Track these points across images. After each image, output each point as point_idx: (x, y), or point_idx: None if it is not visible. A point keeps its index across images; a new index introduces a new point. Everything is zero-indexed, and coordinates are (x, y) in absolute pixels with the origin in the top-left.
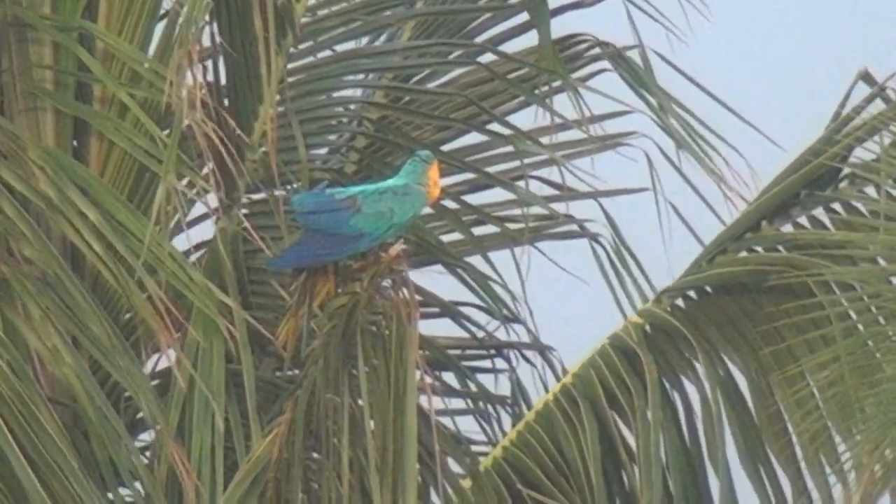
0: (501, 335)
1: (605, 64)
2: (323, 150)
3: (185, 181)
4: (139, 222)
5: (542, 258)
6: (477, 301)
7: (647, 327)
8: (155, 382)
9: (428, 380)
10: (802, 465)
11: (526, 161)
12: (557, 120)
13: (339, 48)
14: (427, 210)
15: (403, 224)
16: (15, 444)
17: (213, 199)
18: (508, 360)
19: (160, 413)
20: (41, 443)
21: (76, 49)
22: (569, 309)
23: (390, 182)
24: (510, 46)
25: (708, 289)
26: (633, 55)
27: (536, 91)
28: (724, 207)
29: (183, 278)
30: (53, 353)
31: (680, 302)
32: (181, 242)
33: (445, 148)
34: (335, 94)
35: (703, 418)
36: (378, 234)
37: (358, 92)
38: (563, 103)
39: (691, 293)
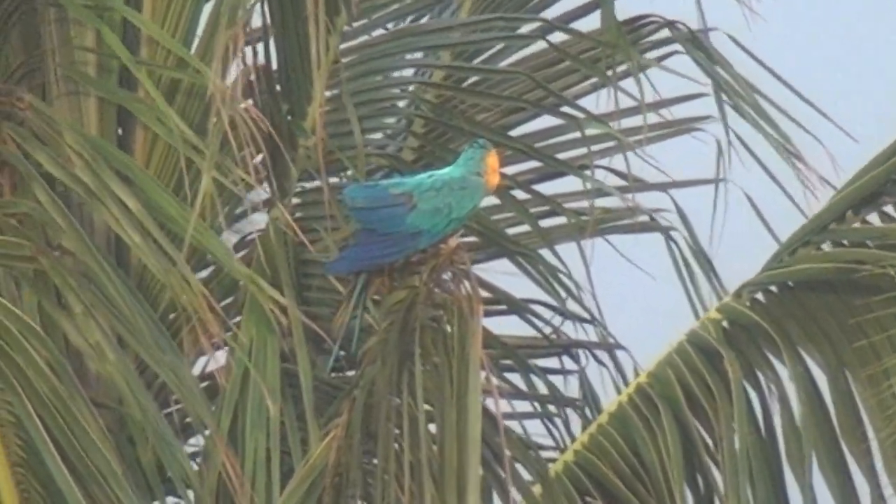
0: (567, 333)
1: (675, 47)
2: (379, 135)
3: (235, 175)
4: (184, 213)
5: (608, 252)
6: (542, 297)
7: (725, 323)
8: (204, 384)
9: (494, 380)
10: (882, 471)
11: (593, 149)
12: (627, 104)
13: (395, 26)
14: (491, 200)
15: (462, 218)
16: (54, 448)
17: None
18: (577, 360)
19: (210, 416)
20: (82, 446)
21: (104, 31)
22: (637, 305)
23: (446, 173)
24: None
25: (790, 283)
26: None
27: (607, 73)
28: (803, 198)
29: (232, 273)
30: (96, 350)
31: (760, 296)
32: (232, 236)
33: (511, 134)
34: (392, 75)
35: (783, 418)
36: (437, 231)
37: (420, 73)
38: (631, 90)
39: (772, 287)
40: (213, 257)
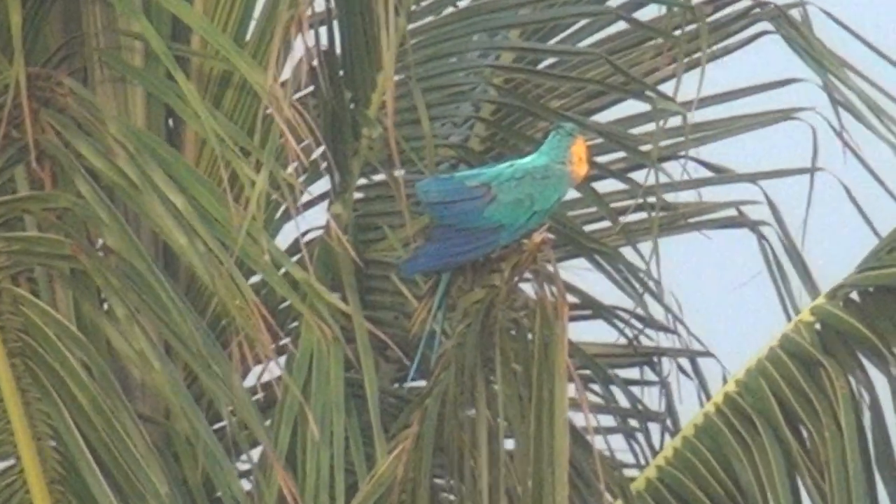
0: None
1: (765, 26)
2: (448, 124)
3: (292, 166)
4: (234, 214)
5: (691, 249)
6: (617, 298)
7: (818, 326)
8: (257, 396)
9: (577, 391)
10: None
11: (676, 140)
12: (713, 90)
13: (465, 3)
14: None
15: (546, 211)
16: (95, 464)
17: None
18: (656, 370)
19: (265, 432)
20: (126, 462)
21: (139, 19)
22: (722, 307)
23: (527, 162)
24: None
25: (888, 285)
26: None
27: (687, 58)
28: None
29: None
30: (141, 358)
31: (854, 297)
32: (290, 234)
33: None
34: (461, 58)
35: (873, 425)
36: (518, 225)
37: (487, 56)
38: (718, 73)
39: (868, 288)
40: (260, 263)
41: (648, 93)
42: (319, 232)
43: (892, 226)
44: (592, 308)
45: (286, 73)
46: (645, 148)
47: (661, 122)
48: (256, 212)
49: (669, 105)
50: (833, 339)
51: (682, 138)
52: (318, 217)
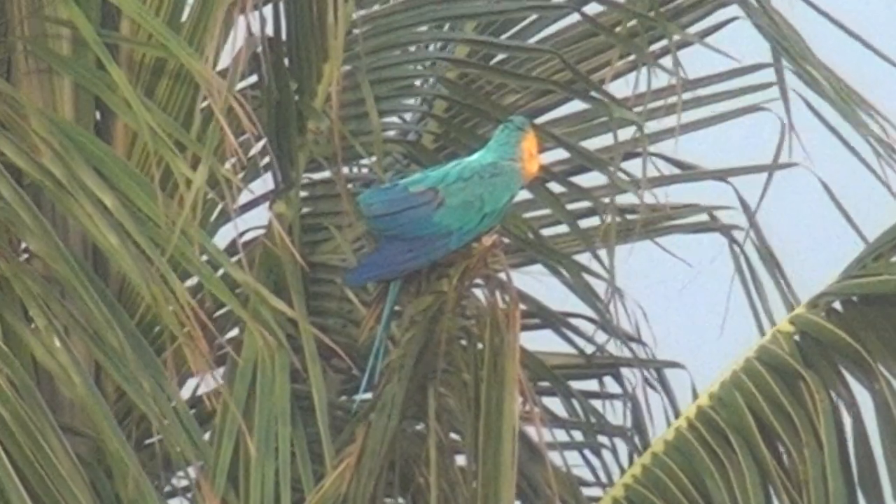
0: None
1: (735, 11)
2: (396, 119)
3: (230, 161)
4: (168, 211)
5: (657, 254)
6: (579, 308)
7: (798, 337)
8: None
9: (527, 403)
10: None
11: (635, 136)
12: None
13: None
14: (522, 195)
15: (498, 213)
16: (18, 481)
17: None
18: (621, 382)
19: (204, 447)
20: (50, 479)
21: (70, 9)
22: (691, 315)
23: (475, 160)
24: None
25: (873, 294)
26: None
27: (651, 48)
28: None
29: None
30: (63, 371)
31: (837, 306)
32: (228, 235)
33: (542, 119)
34: (410, 50)
35: (855, 441)
36: (469, 229)
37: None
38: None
39: (853, 297)
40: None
41: (603, 94)
42: (261, 232)
43: (880, 229)
44: (548, 317)
45: (225, 62)
46: (597, 144)
47: (609, 119)
48: (192, 210)
49: (624, 113)
50: (814, 350)
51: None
52: (259, 217)
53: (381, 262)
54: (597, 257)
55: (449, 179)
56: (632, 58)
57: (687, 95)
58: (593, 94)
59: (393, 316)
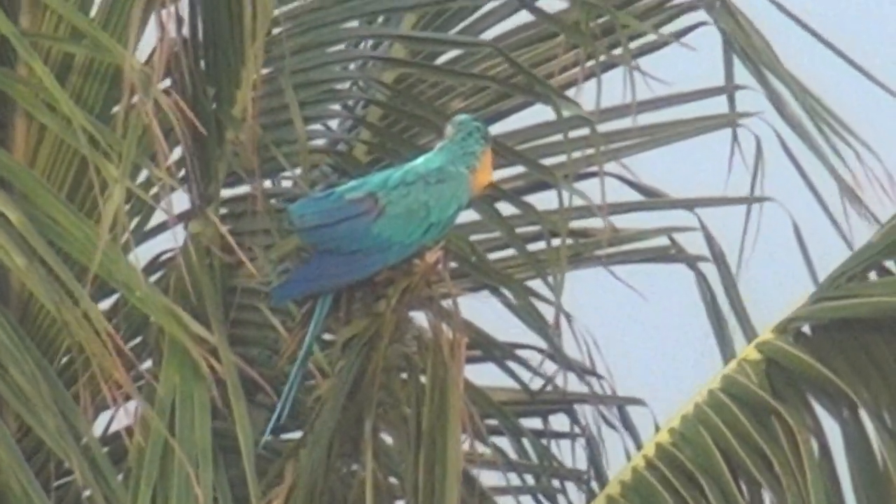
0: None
1: (702, 16)
2: (323, 126)
3: (143, 175)
4: (83, 227)
5: (614, 281)
6: (530, 339)
7: (764, 365)
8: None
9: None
10: None
11: (590, 152)
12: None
13: None
14: (469, 216)
15: (444, 223)
16: None
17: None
18: (576, 419)
19: (118, 490)
20: None
21: None
22: (652, 347)
23: (420, 164)
24: None
25: (846, 317)
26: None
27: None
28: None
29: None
30: None
31: (806, 331)
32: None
33: (492, 130)
34: (336, 49)
35: (824, 472)
36: (412, 241)
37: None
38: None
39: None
40: (119, 284)
41: (552, 90)
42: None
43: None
44: (493, 347)
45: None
46: (550, 161)
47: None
48: (116, 224)
49: (573, 108)
50: (781, 379)
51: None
52: (170, 237)
53: (311, 277)
54: (547, 283)
55: (390, 184)
56: (590, 64)
57: (648, 117)
58: (543, 91)
59: (319, 340)
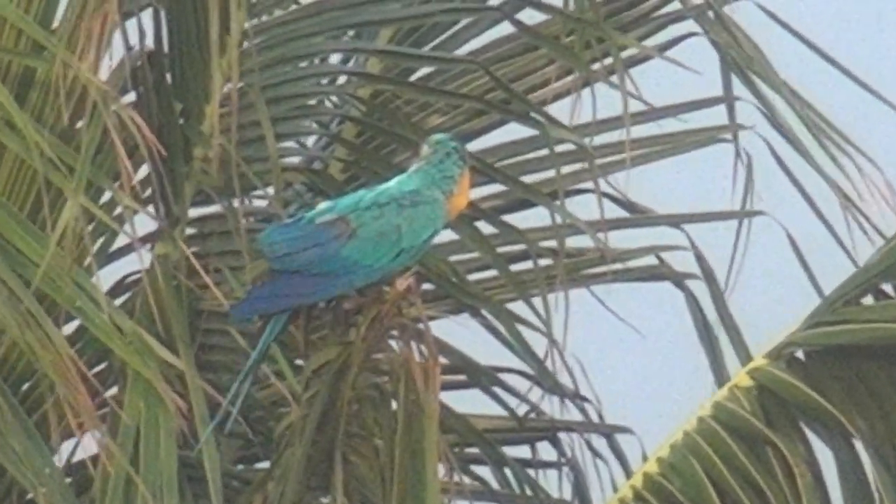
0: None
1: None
2: (296, 143)
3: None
4: (41, 248)
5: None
6: (513, 363)
7: (756, 392)
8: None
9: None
10: None
11: (575, 168)
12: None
13: None
14: (447, 235)
15: (416, 250)
16: None
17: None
18: (561, 448)
19: None
20: None
21: None
22: (640, 372)
23: (394, 185)
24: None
25: (843, 343)
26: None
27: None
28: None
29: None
30: None
31: (800, 356)
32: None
33: (472, 147)
34: (309, 64)
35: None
36: (380, 266)
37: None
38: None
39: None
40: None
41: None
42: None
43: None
44: (476, 372)
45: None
46: (533, 178)
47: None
48: (73, 247)
49: (562, 133)
50: (774, 406)
51: (582, 165)
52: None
53: (272, 296)
54: (530, 305)
55: (362, 206)
56: (572, 77)
57: (640, 129)
58: (531, 113)
59: (290, 365)
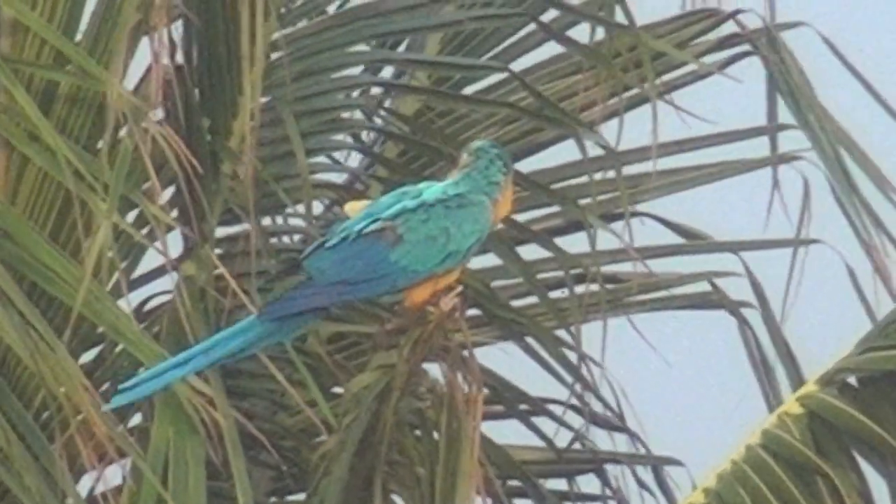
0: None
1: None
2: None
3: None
4: (70, 268)
5: (650, 331)
6: (555, 393)
7: (807, 419)
8: None
9: None
10: None
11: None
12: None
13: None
14: (491, 260)
15: (464, 253)
16: None
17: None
18: (606, 480)
19: None
20: None
21: None
22: (691, 402)
23: (440, 188)
24: None
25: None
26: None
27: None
28: None
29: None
30: None
31: (852, 382)
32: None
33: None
34: (341, 74)
35: None
36: (426, 269)
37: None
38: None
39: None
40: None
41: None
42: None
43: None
44: (521, 401)
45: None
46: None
47: (599, 171)
48: (98, 264)
49: (595, 138)
50: (825, 434)
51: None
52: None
53: (309, 295)
54: (570, 333)
55: (406, 210)
56: (616, 99)
57: (691, 157)
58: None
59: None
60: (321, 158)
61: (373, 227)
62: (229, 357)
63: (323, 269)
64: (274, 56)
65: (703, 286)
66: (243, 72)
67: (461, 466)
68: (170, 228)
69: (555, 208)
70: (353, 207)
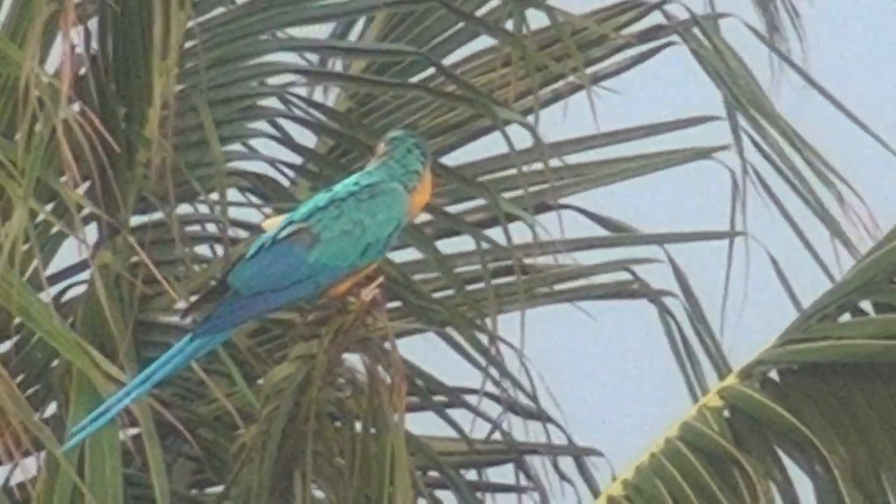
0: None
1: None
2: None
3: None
4: None
5: (570, 321)
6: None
7: (727, 412)
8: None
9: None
10: None
11: (542, 187)
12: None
13: None
14: (411, 253)
15: (382, 244)
16: None
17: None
18: (526, 470)
19: None
20: None
21: None
22: (612, 391)
23: (350, 182)
24: None
25: (818, 361)
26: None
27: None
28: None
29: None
30: None
31: (774, 376)
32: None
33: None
34: (261, 61)
35: None
36: (345, 266)
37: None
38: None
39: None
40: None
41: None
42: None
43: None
44: (439, 392)
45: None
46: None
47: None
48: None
49: (511, 115)
50: (745, 428)
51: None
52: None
53: (235, 311)
54: (483, 322)
55: (319, 205)
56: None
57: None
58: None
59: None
60: (237, 146)
61: (287, 230)
62: (168, 375)
63: (246, 281)
64: (189, 44)
65: (625, 275)
66: (156, 60)
67: (397, 460)
68: (87, 219)
69: (478, 202)
70: (271, 223)
